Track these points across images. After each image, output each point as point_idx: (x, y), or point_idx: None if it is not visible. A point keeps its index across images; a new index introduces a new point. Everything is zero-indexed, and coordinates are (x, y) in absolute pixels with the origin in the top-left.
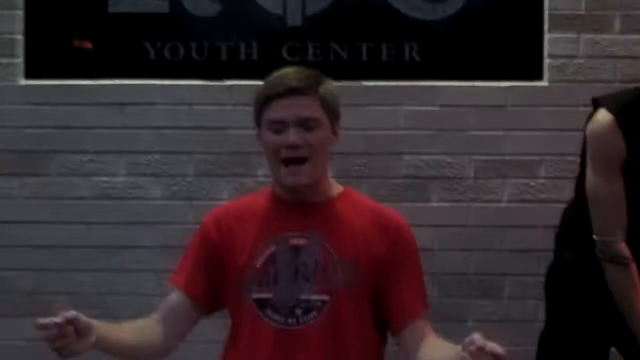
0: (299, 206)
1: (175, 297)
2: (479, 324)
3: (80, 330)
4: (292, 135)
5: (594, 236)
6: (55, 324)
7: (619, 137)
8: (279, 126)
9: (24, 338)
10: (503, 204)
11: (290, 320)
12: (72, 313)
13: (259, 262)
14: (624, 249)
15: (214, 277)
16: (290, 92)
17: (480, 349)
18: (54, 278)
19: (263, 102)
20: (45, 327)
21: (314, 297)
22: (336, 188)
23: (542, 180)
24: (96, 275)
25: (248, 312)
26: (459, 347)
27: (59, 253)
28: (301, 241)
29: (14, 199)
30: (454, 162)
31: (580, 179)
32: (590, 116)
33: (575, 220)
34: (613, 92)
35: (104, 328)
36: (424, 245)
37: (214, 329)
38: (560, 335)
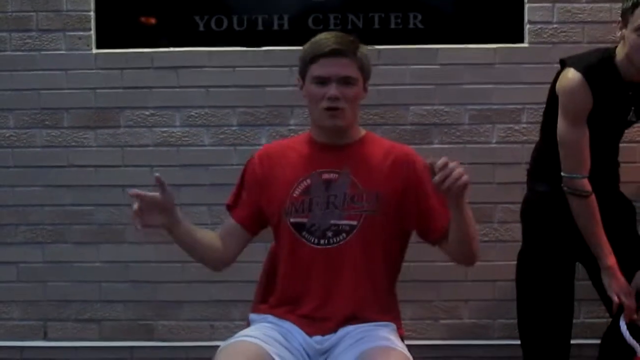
0: (331, 147)
1: (231, 223)
2: None
3: (163, 210)
4: (334, 90)
5: (562, 173)
6: (143, 196)
7: (587, 92)
8: (323, 80)
9: (99, 261)
10: (492, 145)
11: (322, 241)
12: (156, 194)
13: (297, 192)
14: (586, 184)
15: (260, 203)
16: (334, 53)
17: (445, 165)
18: (124, 212)
19: (310, 59)
20: (136, 195)
21: (343, 222)
22: (360, 132)
23: (524, 125)
24: None
25: (288, 233)
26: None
27: (127, 192)
28: (332, 176)
29: (90, 147)
30: (451, 111)
31: (545, 125)
32: (558, 74)
33: (544, 158)
34: (577, 53)
35: (182, 217)
36: None
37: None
38: (534, 253)
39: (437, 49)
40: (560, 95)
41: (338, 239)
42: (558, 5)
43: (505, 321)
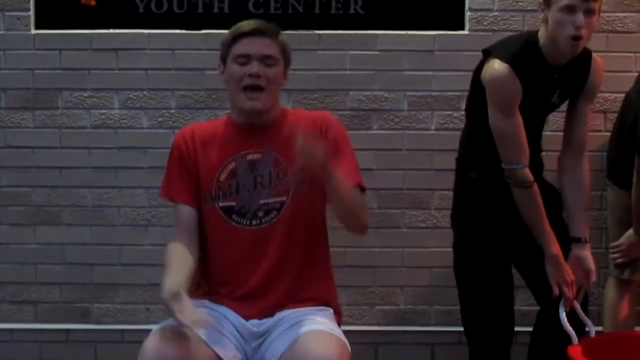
0: (252, 128)
1: (185, 211)
2: (410, 230)
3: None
4: (255, 67)
5: (502, 165)
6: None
7: (516, 82)
8: (244, 59)
9: (36, 242)
10: (431, 132)
11: (254, 222)
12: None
13: (223, 176)
14: (527, 173)
15: (197, 180)
16: (256, 32)
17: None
18: (61, 194)
19: (231, 39)
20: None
21: (271, 200)
22: (279, 110)
23: (463, 112)
24: (95, 192)
25: (217, 218)
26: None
27: (64, 173)
28: (256, 156)
29: (27, 128)
30: (390, 97)
31: (471, 112)
32: (481, 64)
33: (472, 145)
34: (498, 41)
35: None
36: (366, 166)
37: None
38: (469, 242)
39: (378, 34)
40: (488, 88)
41: (270, 217)
42: None
43: (441, 307)
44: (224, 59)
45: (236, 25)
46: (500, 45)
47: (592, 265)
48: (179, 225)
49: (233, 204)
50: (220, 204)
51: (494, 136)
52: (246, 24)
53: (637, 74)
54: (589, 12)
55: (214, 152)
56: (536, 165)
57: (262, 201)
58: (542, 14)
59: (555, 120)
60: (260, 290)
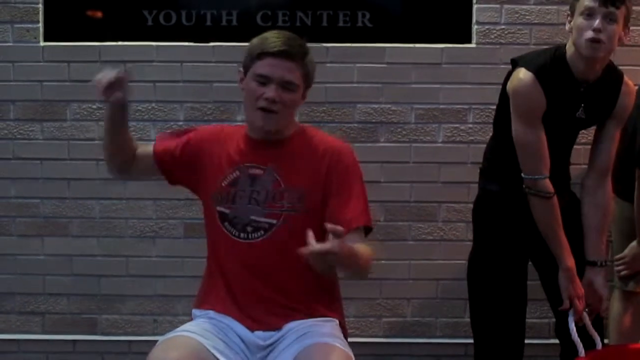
0: (261, 143)
1: (149, 150)
2: (417, 243)
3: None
4: (272, 92)
5: (523, 175)
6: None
7: (539, 92)
8: (264, 80)
9: (44, 253)
10: (438, 144)
11: (242, 235)
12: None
13: (225, 183)
14: (548, 184)
15: (195, 163)
16: (282, 54)
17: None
18: (69, 205)
19: (256, 55)
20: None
21: (262, 219)
22: (294, 128)
23: (470, 125)
24: (103, 203)
25: (215, 219)
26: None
27: (73, 185)
28: (258, 171)
29: (36, 140)
30: (398, 110)
31: (498, 124)
32: (509, 74)
33: (497, 157)
34: (528, 53)
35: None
36: (372, 178)
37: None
38: (486, 254)
39: (385, 47)
40: (512, 97)
41: (257, 235)
42: (506, 6)
43: (447, 320)
44: (245, 69)
45: (264, 36)
46: (529, 55)
47: (604, 292)
48: (140, 147)
49: (227, 211)
50: (218, 209)
51: (515, 146)
52: (274, 40)
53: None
54: (609, 18)
55: (224, 157)
56: (562, 178)
57: (252, 217)
58: (568, 25)
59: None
60: (260, 303)
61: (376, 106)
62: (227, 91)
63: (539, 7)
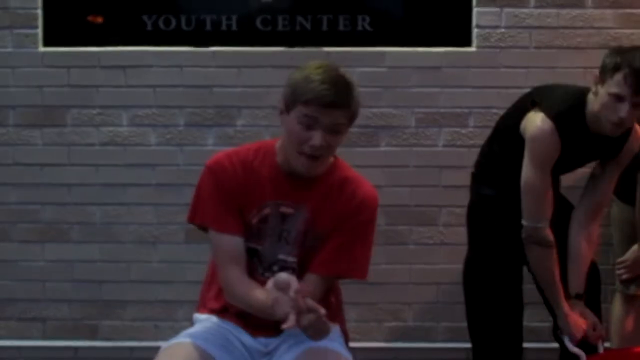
0: (295, 179)
1: (233, 242)
2: (418, 247)
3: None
4: (319, 139)
5: (524, 222)
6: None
7: (556, 140)
8: (310, 121)
9: (44, 259)
10: (439, 148)
11: (267, 274)
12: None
13: (255, 219)
14: (548, 233)
15: (240, 207)
16: (331, 105)
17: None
18: (70, 211)
19: (303, 100)
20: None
21: (290, 259)
22: (328, 162)
23: (470, 129)
24: (104, 209)
25: (246, 253)
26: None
27: (73, 190)
28: (289, 210)
29: (36, 146)
30: (398, 114)
31: (499, 135)
32: (525, 107)
33: (491, 163)
34: (549, 89)
35: None
36: (373, 183)
37: None
38: (481, 258)
39: (385, 51)
40: (529, 142)
41: None
42: (506, 10)
43: (448, 324)
44: (287, 107)
45: (310, 79)
46: (549, 99)
47: (595, 318)
48: (227, 255)
49: (257, 248)
50: (248, 245)
51: (522, 189)
52: (323, 90)
53: None
54: (637, 105)
55: (254, 191)
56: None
57: (280, 256)
58: (594, 88)
59: None
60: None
61: (376, 110)
62: (227, 96)
63: (538, 10)
